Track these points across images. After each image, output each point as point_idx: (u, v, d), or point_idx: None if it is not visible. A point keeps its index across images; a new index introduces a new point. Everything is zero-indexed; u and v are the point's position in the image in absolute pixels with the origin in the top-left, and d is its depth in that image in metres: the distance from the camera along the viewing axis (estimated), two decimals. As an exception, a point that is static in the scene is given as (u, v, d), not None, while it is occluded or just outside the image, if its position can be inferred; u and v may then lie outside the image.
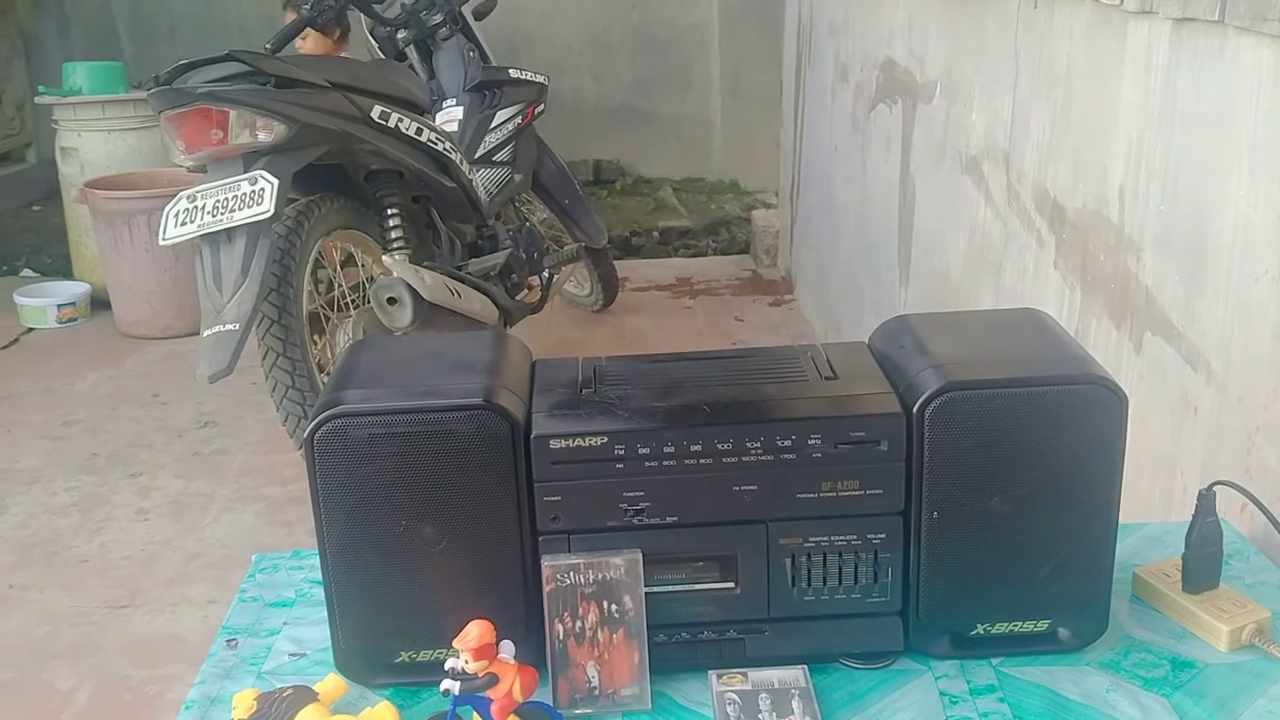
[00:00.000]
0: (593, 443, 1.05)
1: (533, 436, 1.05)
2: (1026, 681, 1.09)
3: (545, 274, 3.65)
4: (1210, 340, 1.50)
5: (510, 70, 3.78)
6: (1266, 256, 1.36)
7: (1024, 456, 1.05)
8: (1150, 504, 1.63)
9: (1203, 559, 1.15)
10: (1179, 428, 1.58)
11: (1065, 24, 1.94)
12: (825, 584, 1.09)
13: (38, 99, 4.79)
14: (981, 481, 1.06)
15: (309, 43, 3.98)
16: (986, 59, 2.32)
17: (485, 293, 3.20)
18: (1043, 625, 1.11)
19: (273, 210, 2.51)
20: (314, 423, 1.04)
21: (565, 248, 3.96)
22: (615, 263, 4.45)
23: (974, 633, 1.11)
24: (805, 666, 1.09)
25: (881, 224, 3.18)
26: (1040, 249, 2.07)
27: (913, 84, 2.87)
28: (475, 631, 1.00)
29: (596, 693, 1.06)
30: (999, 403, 1.04)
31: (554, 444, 1.05)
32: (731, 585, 1.09)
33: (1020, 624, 1.11)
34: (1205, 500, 1.15)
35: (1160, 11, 1.58)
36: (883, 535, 1.08)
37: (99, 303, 4.46)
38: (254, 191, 2.52)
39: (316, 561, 1.28)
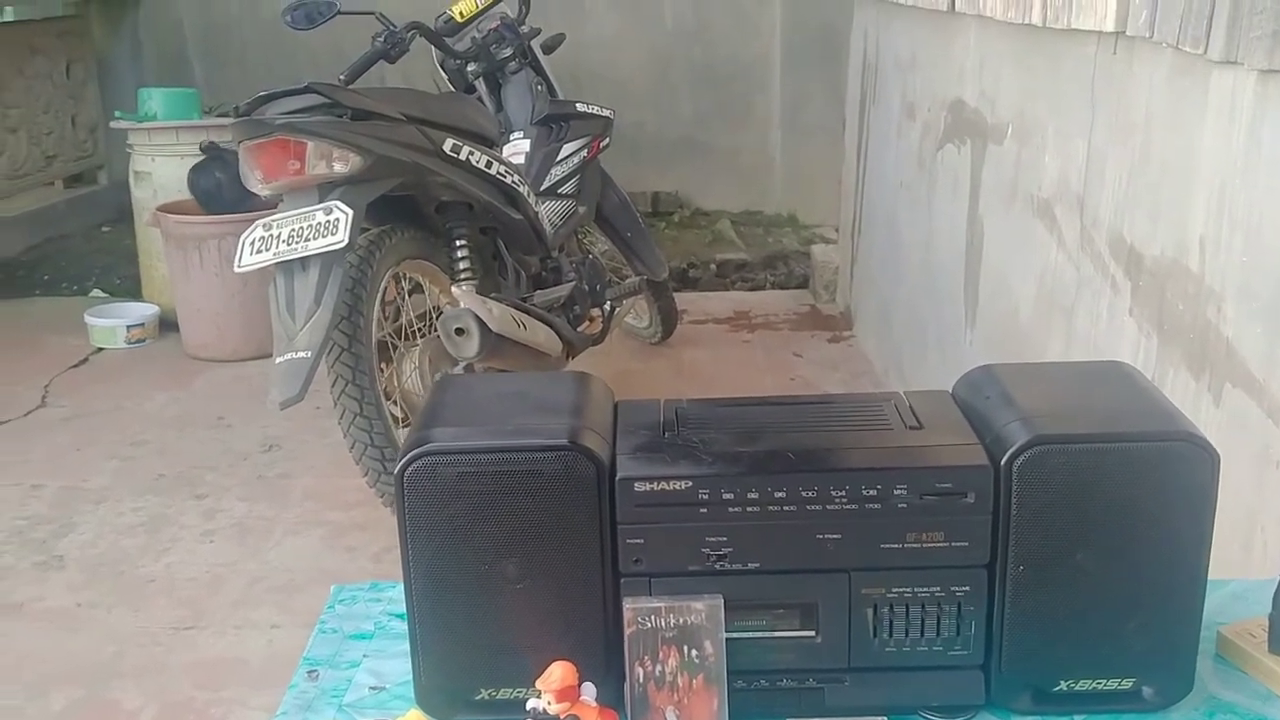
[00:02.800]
0: (677, 486, 1.06)
1: (618, 479, 1.05)
2: (1110, 740, 1.07)
3: (607, 306, 3.67)
4: (1295, 395, 1.48)
5: (577, 104, 3.82)
6: (1357, 312, 1.34)
7: (1112, 512, 1.04)
8: (1229, 560, 1.60)
9: (1292, 620, 1.13)
10: (1260, 482, 1.55)
11: (1145, 71, 1.93)
12: (907, 635, 1.09)
13: (113, 123, 4.91)
14: (1068, 536, 1.05)
15: None
16: (1061, 102, 2.31)
17: (549, 324, 3.22)
18: (1127, 683, 1.09)
19: (347, 240, 2.55)
20: (404, 459, 1.05)
21: (627, 280, 3.98)
22: (673, 295, 4.47)
23: (1057, 689, 1.10)
24: (885, 718, 1.09)
25: (947, 264, 3.17)
26: (1115, 295, 2.05)
27: (983, 124, 2.86)
28: (559, 673, 1.01)
29: (675, 737, 1.06)
30: (1088, 457, 1.03)
31: (638, 487, 1.06)
32: (812, 633, 1.09)
33: (1104, 681, 1.09)
34: (1296, 561, 1.13)
35: (1245, 62, 1.57)
36: (967, 587, 1.08)
37: (167, 324, 4.54)
38: (329, 221, 2.56)
39: (394, 594, 1.31)
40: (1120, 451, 1.03)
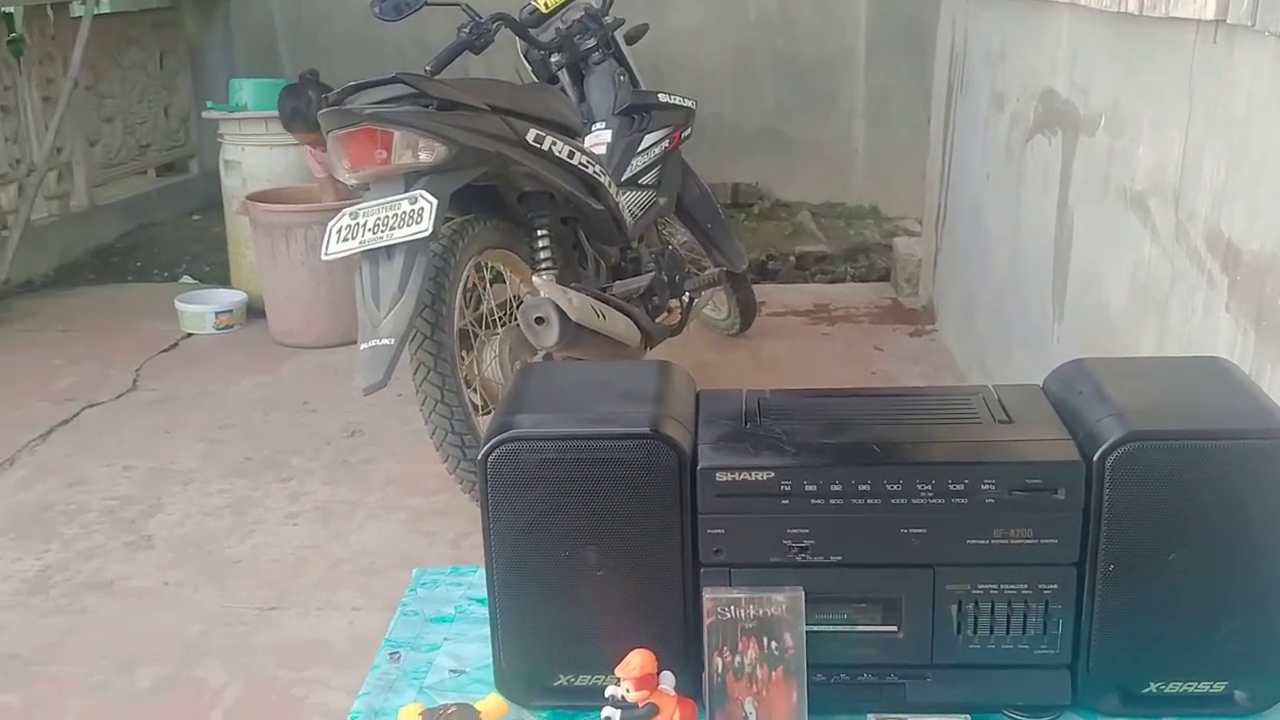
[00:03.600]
0: (759, 477, 1.05)
1: (699, 468, 1.05)
2: (1201, 746, 1.05)
3: (686, 297, 3.66)
4: (1403, 395, 1.42)
5: (660, 95, 3.81)
6: None
7: (1206, 511, 1.01)
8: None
9: (1395, 628, 1.09)
10: (1364, 485, 1.50)
11: (1246, 59, 1.87)
12: (992, 632, 1.07)
13: (205, 114, 5.01)
14: (1161, 535, 1.02)
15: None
16: (1157, 93, 2.25)
17: (629, 314, 3.22)
18: (1219, 687, 1.07)
19: (431, 229, 2.57)
20: (488, 445, 1.06)
21: (706, 272, 3.97)
22: (752, 286, 4.44)
23: (1146, 691, 1.08)
24: (968, 716, 1.07)
25: (1035, 257, 3.11)
26: (1211, 290, 1.99)
27: (1074, 115, 2.79)
28: (638, 661, 1.01)
29: (754, 729, 1.06)
30: (1184, 455, 1.01)
31: (720, 476, 1.05)
32: (894, 629, 1.08)
33: (1195, 684, 1.07)
34: (1401, 566, 1.09)
35: (1355, 49, 1.51)
36: (1055, 586, 1.06)
37: (254, 311, 4.63)
38: (414, 210, 2.59)
39: (474, 578, 1.32)
40: (1217, 449, 1.00)
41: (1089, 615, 1.05)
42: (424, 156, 2.67)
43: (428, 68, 3.20)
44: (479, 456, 1.07)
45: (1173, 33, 2.15)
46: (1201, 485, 1.01)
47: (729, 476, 1.05)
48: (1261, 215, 1.81)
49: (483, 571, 1.10)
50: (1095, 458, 1.02)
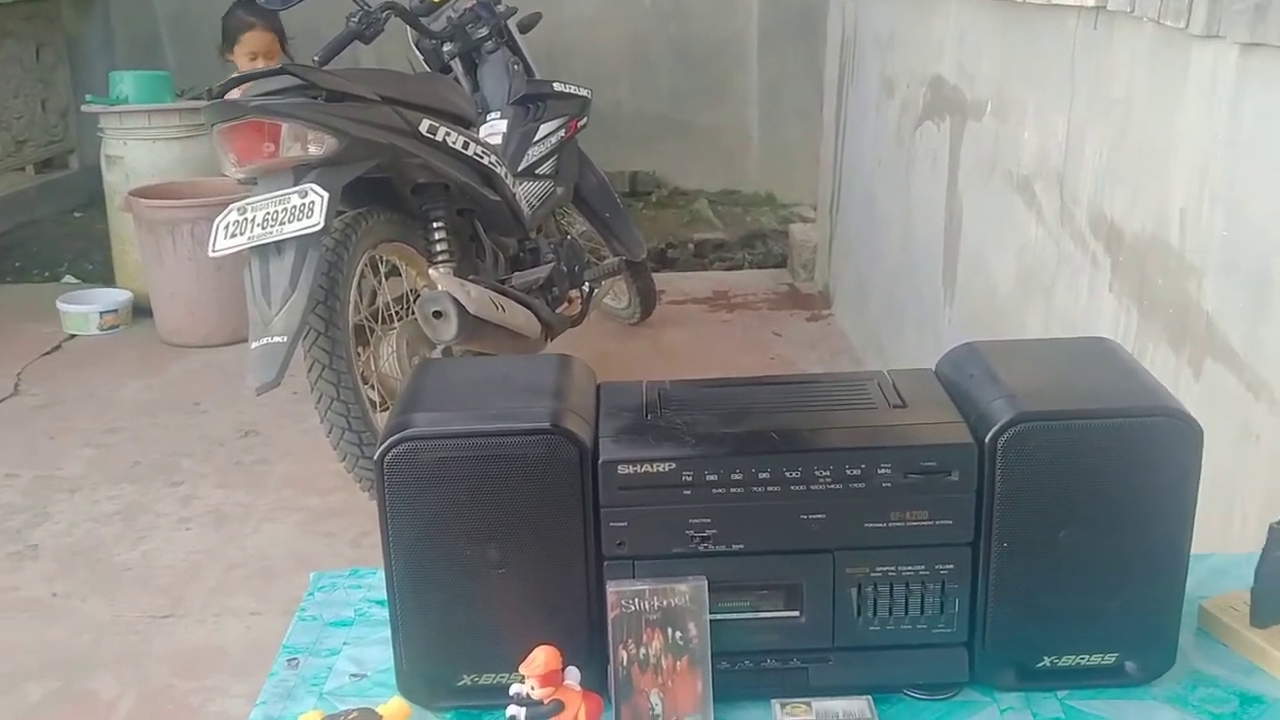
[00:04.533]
0: (660, 469, 1.05)
1: (600, 462, 1.05)
2: (1092, 715, 1.07)
3: (586, 287, 3.65)
4: (1275, 368, 1.48)
5: (554, 84, 3.79)
6: (1337, 286, 1.34)
7: (1095, 488, 1.04)
8: (1208, 532, 1.60)
9: (1272, 593, 1.14)
10: (1240, 456, 1.56)
11: (1126, 45, 1.92)
12: (891, 614, 1.08)
13: (84, 107, 4.84)
14: (1052, 513, 1.04)
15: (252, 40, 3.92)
16: (1041, 78, 2.30)
17: (528, 306, 3.20)
18: (1110, 658, 1.10)
19: (322, 223, 2.52)
20: (383, 445, 1.04)
21: (605, 261, 3.97)
22: (652, 275, 4.45)
23: (1040, 665, 1.10)
24: (869, 697, 1.08)
25: (926, 241, 3.17)
26: (1095, 271, 2.05)
27: (962, 101, 2.85)
28: (542, 658, 1.00)
29: (660, 720, 1.06)
30: (1072, 434, 1.03)
31: (622, 469, 1.05)
32: (796, 614, 1.09)
33: (1087, 657, 1.09)
34: (1275, 534, 1.13)
35: (1227, 36, 1.56)
36: (950, 566, 1.07)
37: (140, 310, 4.50)
38: (304, 204, 2.53)
39: (374, 580, 1.29)
40: (1104, 428, 1.03)
41: (984, 593, 1.07)
42: (313, 149, 2.61)
43: (316, 58, 3.14)
44: (375, 457, 1.04)
45: (1055, 19, 2.21)
46: (1089, 463, 1.03)
47: (630, 469, 1.05)
48: (1142, 197, 1.87)
49: (382, 573, 1.08)
50: (987, 439, 1.03)
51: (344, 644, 1.21)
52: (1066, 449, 1.03)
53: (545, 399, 1.09)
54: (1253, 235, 1.53)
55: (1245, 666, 1.13)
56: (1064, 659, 1.09)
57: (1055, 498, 1.04)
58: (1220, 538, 1.59)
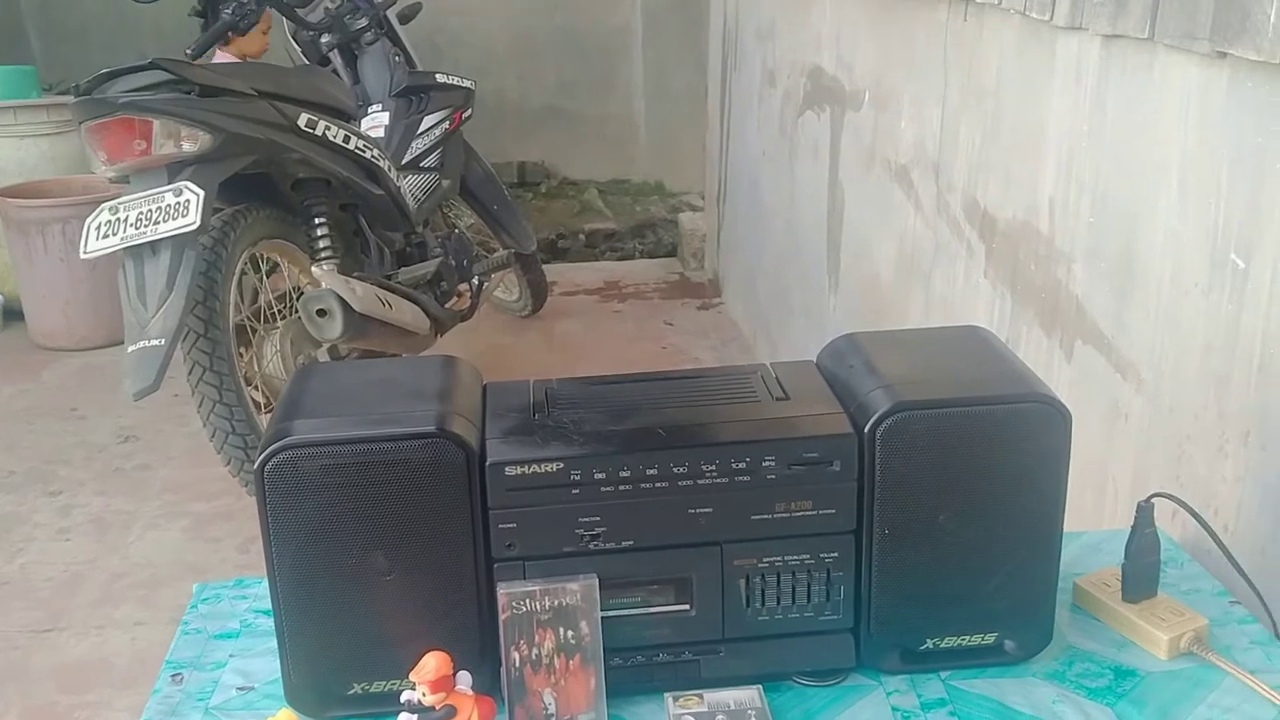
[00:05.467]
0: (548, 469, 1.05)
1: (488, 464, 1.04)
2: (975, 694, 1.10)
3: (475, 281, 3.63)
4: (1141, 351, 1.54)
5: (437, 75, 3.75)
6: (1195, 270, 1.40)
7: (971, 474, 1.07)
8: (1082, 510, 1.66)
9: (1142, 569, 1.18)
10: (1110, 435, 1.62)
11: (994, 37, 1.97)
12: (779, 603, 1.10)
13: (-56, 103, 4.63)
14: (930, 499, 1.07)
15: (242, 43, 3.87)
16: (915, 69, 2.35)
17: (416, 302, 3.16)
18: (990, 638, 1.13)
19: (198, 222, 2.46)
20: (263, 454, 1.02)
21: (495, 254, 3.94)
22: (543, 266, 4.44)
23: (923, 647, 1.13)
24: (760, 686, 1.10)
25: (810, 229, 3.22)
26: (970, 258, 2.10)
27: (841, 91, 2.90)
28: (432, 664, 1.00)
29: (553, 719, 1.06)
30: (947, 422, 1.06)
31: (509, 471, 1.04)
32: (686, 607, 1.10)
33: (968, 637, 1.13)
34: (1144, 512, 1.18)
35: (1090, 27, 1.61)
36: (835, 554, 1.09)
37: (11, 313, 4.34)
38: (179, 203, 2.47)
39: (260, 590, 1.27)
40: (978, 415, 1.06)
41: (868, 580, 1.09)
42: (187, 146, 2.54)
43: (188, 52, 3.06)
44: (255, 467, 1.02)
45: (927, 11, 2.26)
46: (965, 449, 1.06)
47: (518, 470, 1.04)
48: (1013, 185, 1.92)
49: (267, 583, 1.06)
50: (866, 429, 1.06)
51: (230, 656, 1.19)
52: (942, 436, 1.05)
53: (430, 402, 1.08)
54: (1117, 222, 1.59)
55: (1119, 641, 1.17)
56: (946, 640, 1.12)
57: (933, 484, 1.06)
58: (1094, 514, 1.65)
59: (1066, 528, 1.11)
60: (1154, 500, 1.18)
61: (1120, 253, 1.57)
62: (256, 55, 3.93)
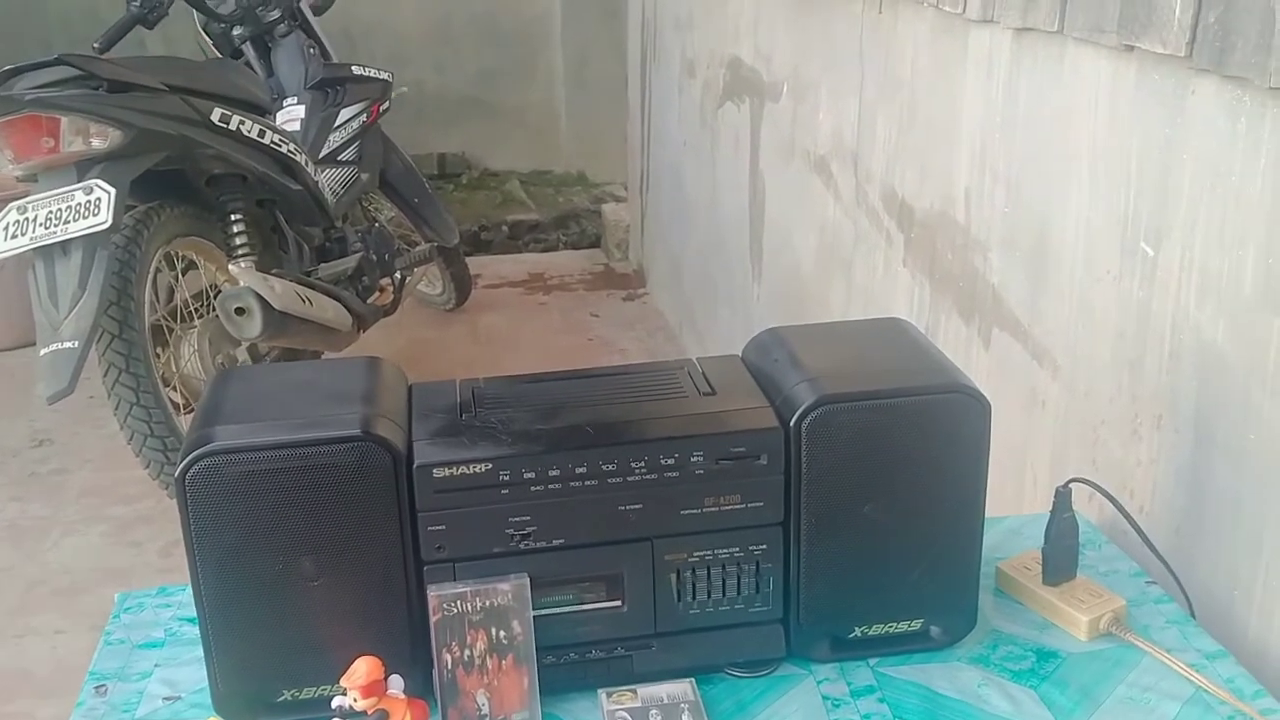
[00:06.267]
0: (477, 469, 1.04)
1: (415, 466, 1.04)
2: (903, 681, 1.13)
3: (397, 275, 3.59)
4: (1056, 338, 1.57)
5: (353, 67, 3.69)
6: (1107, 258, 1.43)
7: (895, 464, 1.09)
8: (1002, 494, 1.70)
9: (1061, 552, 1.22)
10: (1028, 421, 1.65)
11: (909, 29, 2.00)
12: (710, 596, 1.11)
13: None
14: (856, 490, 1.09)
15: None
16: (832, 61, 2.38)
17: (337, 298, 3.12)
18: (916, 624, 1.15)
19: (110, 220, 2.40)
20: (184, 461, 1.00)
21: (417, 248, 3.90)
22: (466, 259, 4.41)
23: (852, 635, 1.15)
24: (693, 679, 1.11)
25: (733, 220, 3.24)
26: (889, 248, 2.13)
27: (760, 83, 2.92)
28: (363, 669, 0.99)
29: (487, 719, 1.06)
30: (871, 414, 1.07)
31: (437, 473, 1.04)
32: (618, 603, 1.10)
33: (895, 624, 1.15)
34: (1062, 497, 1.21)
35: (1001, 20, 1.64)
36: (764, 546, 1.11)
37: (-86, 315, 4.19)
38: (90, 201, 2.41)
39: (184, 598, 1.25)
40: (900, 406, 1.08)
41: (796, 570, 1.11)
42: (97, 143, 2.48)
43: (96, 46, 2.99)
44: (175, 475, 1.01)
45: (843, 3, 2.28)
46: (888, 440, 1.08)
47: (446, 472, 1.04)
48: (929, 175, 1.95)
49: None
50: (792, 423, 1.07)
51: (155, 666, 1.17)
52: (866, 428, 1.07)
53: (354, 404, 1.07)
54: (1029, 211, 1.62)
55: (1040, 623, 1.20)
56: (874, 628, 1.14)
57: (858, 475, 1.08)
58: (1014, 499, 1.68)
59: (988, 513, 1.14)
60: (1071, 485, 1.22)
61: (1034, 241, 1.61)
62: None
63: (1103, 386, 1.46)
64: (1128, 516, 1.24)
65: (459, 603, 1.05)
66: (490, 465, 1.05)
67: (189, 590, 1.06)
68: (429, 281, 4.26)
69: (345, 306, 3.16)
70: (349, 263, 3.32)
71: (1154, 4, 1.27)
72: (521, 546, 1.07)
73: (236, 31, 3.59)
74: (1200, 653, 1.13)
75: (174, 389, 2.76)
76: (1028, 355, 1.64)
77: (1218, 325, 1.24)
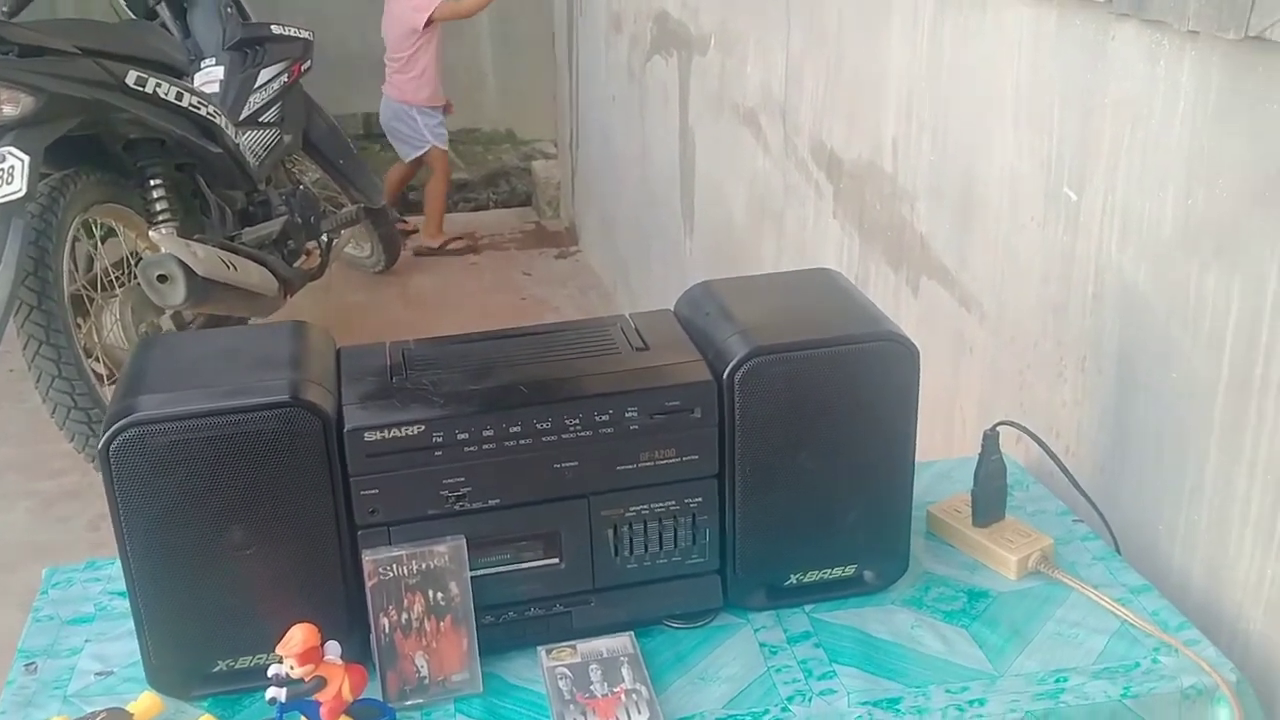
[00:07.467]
0: (409, 432, 1.03)
1: (346, 430, 1.02)
2: (839, 625, 1.14)
3: (324, 238, 3.54)
4: (982, 284, 1.59)
5: (272, 26, 3.61)
6: (1031, 204, 1.45)
7: (827, 413, 1.10)
8: (933, 438, 1.73)
9: (989, 494, 1.24)
10: (957, 366, 1.68)
11: (833, -20, 2.00)
12: (647, 550, 1.12)
13: None
14: (789, 440, 1.10)
15: None
16: (759, 14, 2.37)
17: (262, 263, 3.07)
18: (850, 570, 1.17)
19: (25, 189, 2.33)
20: (107, 433, 0.98)
21: (343, 210, 3.84)
22: (394, 221, 4.36)
23: (787, 583, 1.16)
24: (632, 633, 1.12)
25: (664, 175, 3.23)
26: (819, 199, 2.14)
27: (687, 36, 2.90)
28: (299, 636, 0.98)
29: (427, 682, 1.05)
30: (802, 364, 1.08)
31: (369, 436, 1.03)
32: (556, 561, 1.10)
33: (829, 570, 1.16)
34: (990, 440, 1.23)
35: (923, -30, 1.65)
36: (699, 499, 1.11)
37: None
38: (2, 170, 2.34)
39: (113, 571, 1.23)
40: (830, 356, 1.08)
41: (732, 522, 1.12)
42: (7, 110, 2.41)
43: (4, 10, 2.89)
44: (99, 447, 0.98)
45: (768, -46, 2.27)
46: (820, 390, 1.09)
47: (378, 435, 1.03)
48: (857, 127, 1.96)
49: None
50: (725, 375, 1.07)
51: (86, 642, 1.15)
52: (797, 378, 1.08)
53: (281, 370, 1.05)
54: (955, 160, 1.63)
55: (970, 564, 1.22)
56: (809, 575, 1.15)
57: (791, 425, 1.09)
58: (944, 444, 1.71)
59: (918, 458, 1.15)
60: (999, 428, 1.23)
61: (960, 190, 1.62)
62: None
63: (1028, 331, 1.48)
64: (1054, 457, 1.26)
65: (395, 566, 1.04)
66: (423, 427, 1.04)
67: (118, 564, 1.04)
68: (357, 244, 4.20)
69: (271, 271, 3.10)
70: (273, 226, 3.27)
71: (1073, -50, 1.28)
72: (457, 508, 1.06)
73: (151, -9, 3.48)
74: (1125, 587, 1.16)
75: (97, 360, 2.71)
76: (955, 302, 1.66)
77: (1139, 267, 1.26)
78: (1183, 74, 1.17)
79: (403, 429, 1.03)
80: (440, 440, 1.04)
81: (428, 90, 4.58)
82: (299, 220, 3.38)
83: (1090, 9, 1.30)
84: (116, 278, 2.88)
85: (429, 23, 4.49)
